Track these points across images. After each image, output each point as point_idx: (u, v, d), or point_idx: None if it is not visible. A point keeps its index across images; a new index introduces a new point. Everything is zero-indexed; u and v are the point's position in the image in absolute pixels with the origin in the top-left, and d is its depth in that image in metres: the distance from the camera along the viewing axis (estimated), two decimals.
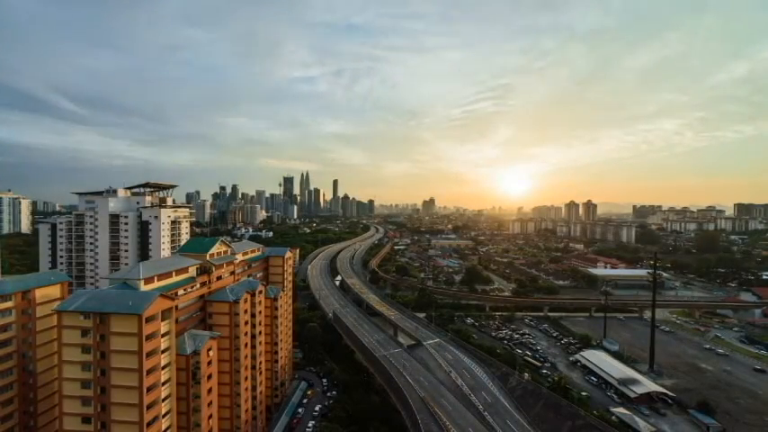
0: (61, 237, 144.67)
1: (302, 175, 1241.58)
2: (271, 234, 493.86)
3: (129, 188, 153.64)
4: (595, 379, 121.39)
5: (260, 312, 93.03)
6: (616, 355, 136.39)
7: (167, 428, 60.64)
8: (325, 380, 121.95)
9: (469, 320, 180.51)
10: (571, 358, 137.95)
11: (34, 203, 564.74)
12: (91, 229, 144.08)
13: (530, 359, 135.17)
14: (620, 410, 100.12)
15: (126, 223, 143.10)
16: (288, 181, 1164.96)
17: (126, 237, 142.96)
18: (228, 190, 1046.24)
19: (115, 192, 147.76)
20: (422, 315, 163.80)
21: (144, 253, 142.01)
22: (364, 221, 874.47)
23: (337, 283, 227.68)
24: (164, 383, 59.86)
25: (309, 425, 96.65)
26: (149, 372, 56.15)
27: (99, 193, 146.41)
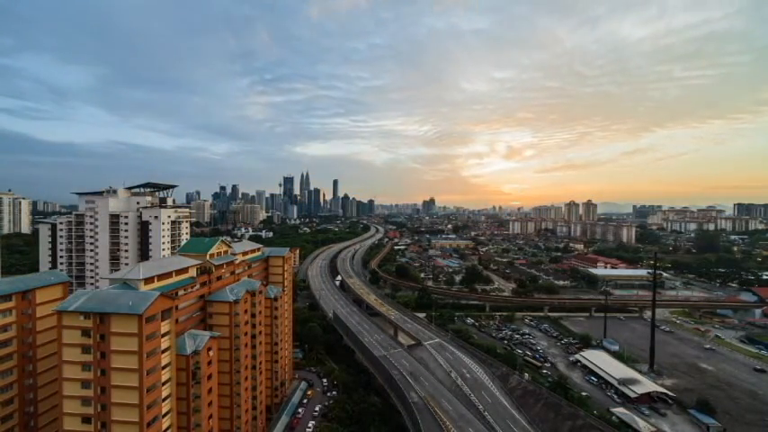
0: (61, 237, 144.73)
1: (302, 175, 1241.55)
2: (271, 234, 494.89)
3: (130, 188, 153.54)
4: (595, 379, 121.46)
5: (260, 312, 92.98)
6: (616, 355, 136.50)
7: (167, 428, 60.59)
8: (325, 380, 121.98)
9: (470, 320, 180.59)
10: (571, 358, 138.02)
11: (34, 203, 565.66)
12: (91, 230, 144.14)
13: (530, 359, 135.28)
14: (621, 410, 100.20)
15: (126, 223, 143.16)
16: (288, 181, 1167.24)
17: (126, 237, 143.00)
18: (228, 190, 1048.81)
19: (115, 192, 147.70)
20: (422, 315, 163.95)
21: (144, 253, 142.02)
22: (364, 221, 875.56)
23: (337, 283, 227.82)
24: (164, 383, 59.80)
25: (309, 425, 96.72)
26: (149, 372, 56.12)
27: (99, 194, 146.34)
